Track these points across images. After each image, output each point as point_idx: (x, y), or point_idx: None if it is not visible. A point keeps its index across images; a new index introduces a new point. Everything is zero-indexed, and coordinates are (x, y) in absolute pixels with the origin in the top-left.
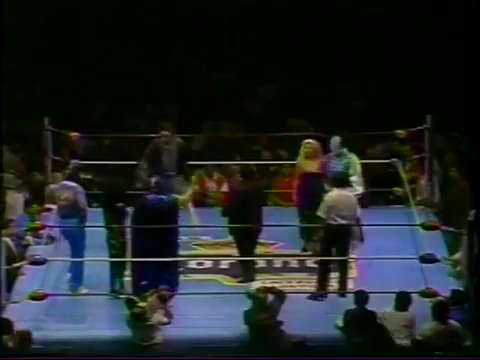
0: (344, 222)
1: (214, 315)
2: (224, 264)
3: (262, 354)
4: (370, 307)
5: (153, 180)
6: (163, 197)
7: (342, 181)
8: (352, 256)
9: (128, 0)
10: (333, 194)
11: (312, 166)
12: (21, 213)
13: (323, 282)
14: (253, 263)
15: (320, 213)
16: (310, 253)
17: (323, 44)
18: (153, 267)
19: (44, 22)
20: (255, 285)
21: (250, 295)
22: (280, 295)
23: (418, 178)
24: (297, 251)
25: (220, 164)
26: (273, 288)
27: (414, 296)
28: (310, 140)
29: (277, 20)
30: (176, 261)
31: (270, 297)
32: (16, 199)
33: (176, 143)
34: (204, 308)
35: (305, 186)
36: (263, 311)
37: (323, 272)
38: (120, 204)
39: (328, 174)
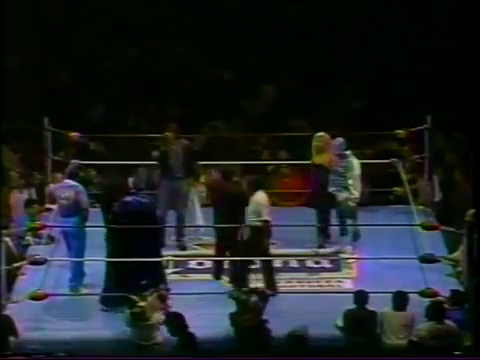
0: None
1: (214, 315)
2: (224, 264)
3: (262, 354)
4: (370, 307)
5: (130, 181)
6: (141, 199)
7: (259, 184)
8: (352, 256)
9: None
10: (262, 196)
11: (322, 160)
12: (22, 213)
13: (272, 282)
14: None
15: (268, 218)
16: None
17: (323, 44)
18: (136, 269)
19: (44, 22)
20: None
21: (233, 297)
22: (263, 295)
23: (418, 178)
24: (297, 251)
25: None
26: (256, 288)
27: (414, 296)
28: (321, 133)
29: (277, 20)
30: (160, 262)
31: (253, 298)
32: (18, 198)
33: (182, 144)
34: (204, 308)
35: (315, 180)
36: (247, 312)
37: (268, 272)
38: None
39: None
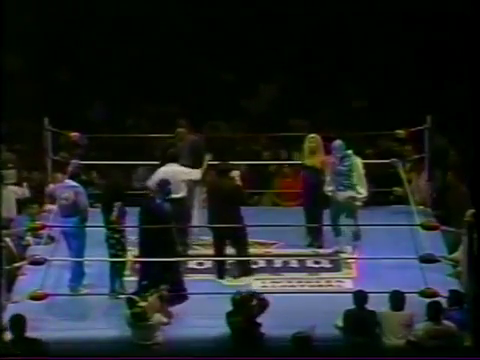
0: (175, 196)
1: (214, 315)
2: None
3: (262, 354)
4: (370, 307)
5: (163, 179)
6: (158, 201)
7: (172, 156)
8: (352, 256)
9: (129, 0)
10: (163, 169)
11: (313, 161)
12: (14, 207)
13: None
14: (243, 262)
15: (150, 184)
16: (315, 249)
17: (323, 44)
18: (153, 267)
19: (44, 22)
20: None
21: (231, 298)
22: (262, 302)
23: (415, 178)
24: (297, 251)
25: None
26: (258, 294)
27: (415, 296)
28: (313, 135)
29: (277, 20)
30: (177, 262)
31: (253, 302)
32: (10, 193)
33: (190, 140)
34: (204, 308)
35: (306, 181)
36: (238, 313)
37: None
38: (118, 203)
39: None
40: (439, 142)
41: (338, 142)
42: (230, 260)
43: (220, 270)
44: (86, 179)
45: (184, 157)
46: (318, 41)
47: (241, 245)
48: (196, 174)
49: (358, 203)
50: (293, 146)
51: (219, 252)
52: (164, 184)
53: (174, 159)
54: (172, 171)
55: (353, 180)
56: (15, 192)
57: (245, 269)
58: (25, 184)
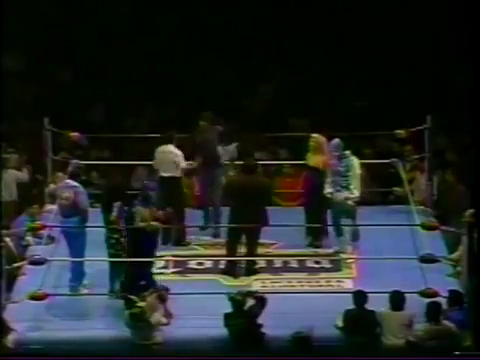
0: (165, 175)
1: (214, 315)
2: (224, 264)
3: (262, 354)
4: (371, 307)
5: (144, 183)
6: (137, 202)
7: (167, 138)
8: (352, 256)
9: (128, 0)
10: (160, 148)
11: (315, 161)
12: (15, 190)
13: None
14: (250, 261)
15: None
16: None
17: (323, 44)
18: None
19: (45, 21)
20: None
21: (229, 298)
22: (261, 300)
23: (415, 178)
24: (297, 251)
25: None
26: (255, 292)
27: (415, 296)
28: (316, 135)
29: (277, 20)
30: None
31: (250, 301)
32: (11, 176)
33: (216, 131)
34: (204, 308)
35: (308, 181)
36: (240, 315)
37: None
38: (118, 203)
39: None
40: (439, 142)
41: (336, 141)
42: (237, 260)
43: (231, 268)
44: (86, 179)
45: (211, 151)
46: (318, 40)
47: (254, 245)
48: (183, 162)
49: (351, 203)
50: (293, 146)
51: (232, 251)
52: (144, 188)
53: (168, 141)
54: (162, 151)
55: (349, 180)
56: (16, 175)
57: (252, 268)
58: (24, 170)
